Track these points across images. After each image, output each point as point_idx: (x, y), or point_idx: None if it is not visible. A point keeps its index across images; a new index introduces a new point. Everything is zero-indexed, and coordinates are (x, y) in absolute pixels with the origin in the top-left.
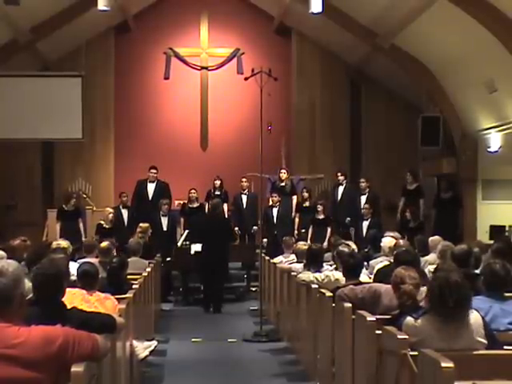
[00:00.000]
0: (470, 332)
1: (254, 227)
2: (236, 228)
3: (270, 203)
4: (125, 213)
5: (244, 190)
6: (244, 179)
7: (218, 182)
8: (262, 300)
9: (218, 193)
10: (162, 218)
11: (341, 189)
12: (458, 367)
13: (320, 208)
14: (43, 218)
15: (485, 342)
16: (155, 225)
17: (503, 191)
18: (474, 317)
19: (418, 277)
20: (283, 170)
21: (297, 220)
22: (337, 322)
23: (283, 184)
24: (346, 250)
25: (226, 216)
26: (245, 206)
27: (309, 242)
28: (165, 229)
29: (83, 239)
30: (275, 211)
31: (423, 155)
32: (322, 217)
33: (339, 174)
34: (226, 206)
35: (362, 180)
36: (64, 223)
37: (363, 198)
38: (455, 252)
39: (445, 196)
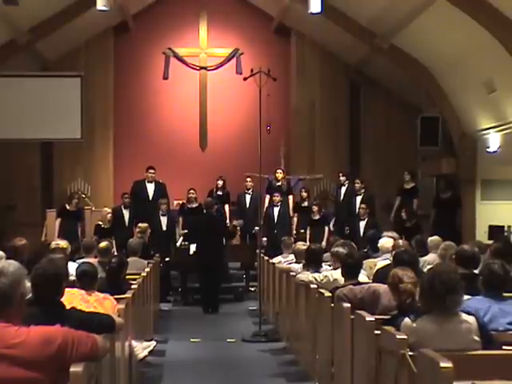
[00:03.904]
0: (466, 329)
1: (256, 228)
2: (238, 227)
3: (271, 202)
4: (126, 213)
5: (248, 190)
6: (249, 179)
7: (220, 182)
8: (261, 300)
9: (220, 193)
10: (162, 218)
11: (343, 189)
12: (456, 367)
13: (315, 208)
14: (42, 219)
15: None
16: (155, 225)
17: (502, 191)
18: (470, 317)
19: (415, 276)
20: (279, 170)
21: (295, 220)
22: (336, 322)
23: (279, 184)
24: (341, 249)
25: (228, 217)
26: (248, 205)
27: (308, 242)
28: (164, 228)
29: (79, 240)
30: (276, 210)
31: (422, 155)
32: (317, 217)
33: (341, 175)
34: (226, 207)
35: (357, 181)
36: (64, 222)
37: (358, 199)
38: (462, 253)
39: (444, 196)
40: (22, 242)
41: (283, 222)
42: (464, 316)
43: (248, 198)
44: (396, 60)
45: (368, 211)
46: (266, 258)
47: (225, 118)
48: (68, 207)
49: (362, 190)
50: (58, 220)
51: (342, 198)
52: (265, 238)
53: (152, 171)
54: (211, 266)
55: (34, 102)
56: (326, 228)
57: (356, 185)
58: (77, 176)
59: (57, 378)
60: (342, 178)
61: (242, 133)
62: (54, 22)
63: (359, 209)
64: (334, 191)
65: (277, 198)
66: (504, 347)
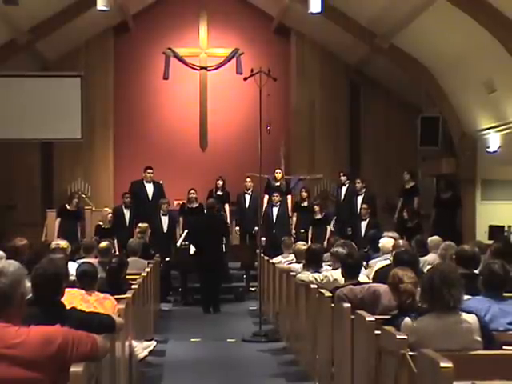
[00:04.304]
0: (467, 329)
1: (256, 228)
2: (237, 228)
3: (270, 202)
4: (127, 213)
5: (248, 190)
6: (248, 179)
7: (220, 183)
8: (261, 300)
9: (219, 193)
10: (163, 218)
11: (344, 189)
12: (457, 367)
13: (317, 208)
14: (42, 219)
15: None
16: (155, 225)
17: (502, 191)
18: (471, 317)
19: (415, 277)
20: (278, 170)
21: (294, 219)
22: (336, 322)
23: (278, 184)
24: (340, 249)
25: (228, 216)
26: (248, 205)
27: (309, 242)
28: (165, 228)
29: (79, 240)
30: (275, 210)
31: (422, 155)
32: (319, 217)
33: (341, 174)
34: (227, 207)
35: (358, 181)
36: (64, 222)
37: (359, 199)
38: (462, 253)
39: (444, 196)
40: (23, 242)
41: (282, 221)
42: (465, 316)
43: (248, 198)
44: (396, 60)
45: (369, 211)
46: (266, 258)
47: (225, 117)
48: (68, 207)
49: (363, 190)
50: (58, 220)
51: (342, 197)
52: (263, 238)
53: (150, 171)
54: (211, 266)
55: (34, 102)
56: (328, 227)
57: (357, 185)
58: (77, 176)
59: (57, 378)
60: (343, 178)
61: (242, 133)
62: (54, 21)
63: (361, 209)
64: (334, 191)
65: (276, 197)
66: (504, 347)
